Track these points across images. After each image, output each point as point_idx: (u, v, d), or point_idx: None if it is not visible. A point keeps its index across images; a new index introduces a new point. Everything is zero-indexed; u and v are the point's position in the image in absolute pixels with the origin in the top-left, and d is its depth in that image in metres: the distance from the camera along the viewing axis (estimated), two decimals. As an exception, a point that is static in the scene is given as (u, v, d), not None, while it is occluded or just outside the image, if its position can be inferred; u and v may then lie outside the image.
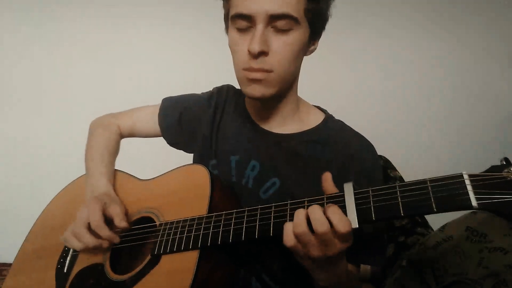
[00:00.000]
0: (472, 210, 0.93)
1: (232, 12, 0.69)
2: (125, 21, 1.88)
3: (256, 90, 0.70)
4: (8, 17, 1.87)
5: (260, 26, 0.65)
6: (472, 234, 0.89)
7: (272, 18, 0.65)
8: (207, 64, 1.78)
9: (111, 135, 0.95)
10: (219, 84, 0.95)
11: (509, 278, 0.78)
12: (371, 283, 1.08)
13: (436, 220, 1.08)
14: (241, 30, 0.69)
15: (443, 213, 0.83)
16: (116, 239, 0.74)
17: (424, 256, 0.94)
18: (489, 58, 1.77)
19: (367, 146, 0.79)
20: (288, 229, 0.54)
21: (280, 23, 0.66)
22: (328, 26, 0.76)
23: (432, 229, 1.17)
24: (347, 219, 0.52)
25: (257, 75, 0.68)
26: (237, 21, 0.68)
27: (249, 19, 0.66)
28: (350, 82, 1.85)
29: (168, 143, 0.97)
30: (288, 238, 0.54)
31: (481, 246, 0.86)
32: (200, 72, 1.76)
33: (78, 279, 0.77)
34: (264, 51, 0.66)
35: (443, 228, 0.98)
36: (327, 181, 0.60)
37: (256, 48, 0.65)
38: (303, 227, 0.52)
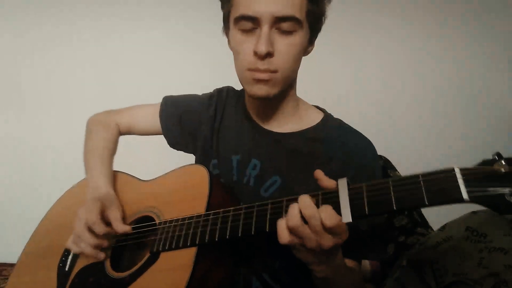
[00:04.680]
0: (472, 211, 0.94)
1: (236, 13, 0.70)
2: (126, 20, 1.91)
3: (262, 90, 0.72)
4: (11, 20, 1.90)
5: (265, 28, 0.67)
6: (472, 234, 0.88)
7: (277, 20, 0.67)
8: (208, 64, 1.80)
9: (110, 134, 0.95)
10: (220, 85, 0.97)
11: (509, 278, 0.77)
12: (371, 283, 1.07)
13: (436, 220, 1.07)
14: (244, 31, 0.70)
15: (443, 214, 0.82)
16: (111, 241, 0.75)
17: (424, 256, 0.93)
18: (489, 58, 1.77)
19: (366, 143, 0.80)
20: (281, 225, 0.54)
21: (285, 25, 0.67)
22: (329, 26, 0.78)
23: (432, 229, 1.16)
24: (334, 212, 0.52)
25: (263, 76, 0.70)
26: (241, 22, 0.69)
27: (253, 20, 0.67)
28: (350, 83, 1.86)
29: (169, 144, 0.98)
30: (283, 235, 0.54)
31: (481, 246, 0.85)
32: (201, 71, 1.78)
33: (78, 277, 0.78)
34: (270, 52, 0.68)
35: (443, 228, 0.97)
36: (321, 178, 0.59)
37: (263, 49, 0.66)
38: (296, 220, 0.52)
